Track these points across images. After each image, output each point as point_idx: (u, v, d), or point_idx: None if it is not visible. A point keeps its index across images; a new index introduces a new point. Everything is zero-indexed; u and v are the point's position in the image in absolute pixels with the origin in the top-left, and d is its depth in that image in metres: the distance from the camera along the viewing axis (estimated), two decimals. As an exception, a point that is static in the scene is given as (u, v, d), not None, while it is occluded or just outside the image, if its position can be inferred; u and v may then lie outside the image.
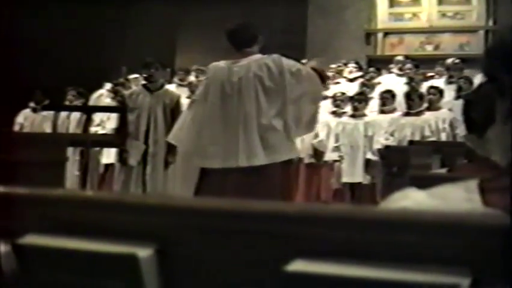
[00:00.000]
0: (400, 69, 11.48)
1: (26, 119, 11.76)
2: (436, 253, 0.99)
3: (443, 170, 3.50)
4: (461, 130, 8.49)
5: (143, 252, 1.13)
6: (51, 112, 11.49)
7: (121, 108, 8.23)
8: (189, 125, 5.92)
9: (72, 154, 9.97)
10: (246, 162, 5.56)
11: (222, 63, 5.85)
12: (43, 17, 13.65)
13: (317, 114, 6.08)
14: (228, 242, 1.11)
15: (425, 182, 1.53)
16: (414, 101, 9.28)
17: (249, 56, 5.77)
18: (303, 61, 11.79)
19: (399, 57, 11.88)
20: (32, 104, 11.78)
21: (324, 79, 6.19)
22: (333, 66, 12.04)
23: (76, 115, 11.16)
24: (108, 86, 11.90)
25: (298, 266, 1.03)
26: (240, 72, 5.70)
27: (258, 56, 5.79)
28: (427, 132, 9.09)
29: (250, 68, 5.69)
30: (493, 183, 1.29)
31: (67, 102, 11.53)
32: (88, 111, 9.30)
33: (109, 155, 9.79)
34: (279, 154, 5.62)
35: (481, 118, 2.21)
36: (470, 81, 10.08)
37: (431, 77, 11.13)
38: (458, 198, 1.29)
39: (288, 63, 5.75)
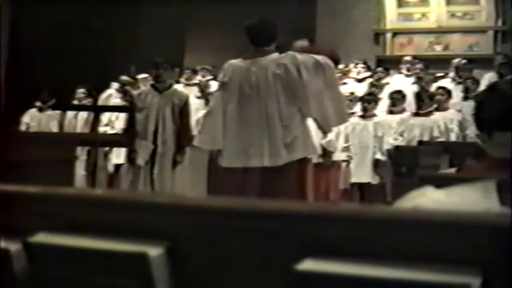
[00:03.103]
0: (408, 69, 11.44)
1: (33, 119, 11.74)
2: (448, 253, 0.99)
3: (452, 170, 3.49)
4: (471, 130, 8.48)
5: (154, 251, 1.13)
6: (58, 111, 11.47)
7: (130, 108, 8.23)
8: (212, 126, 5.88)
9: (79, 154, 9.98)
10: (270, 162, 5.53)
11: (239, 62, 5.76)
12: (52, 16, 13.66)
13: (343, 104, 5.96)
14: (238, 241, 1.12)
15: (433, 182, 1.53)
16: (425, 102, 9.25)
17: (266, 55, 5.72)
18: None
19: (407, 58, 11.84)
20: (38, 104, 11.77)
21: (336, 61, 6.14)
22: (340, 66, 12.01)
23: (83, 114, 11.13)
24: (115, 85, 11.89)
25: (308, 265, 1.04)
26: (258, 72, 5.65)
27: (275, 55, 5.73)
28: (436, 133, 9.06)
29: (268, 68, 5.65)
30: (510, 183, 1.29)
31: (76, 101, 11.51)
32: (96, 110, 9.30)
33: (118, 155, 9.79)
34: (298, 152, 5.63)
35: (491, 117, 2.21)
36: (477, 81, 10.04)
37: (441, 78, 11.09)
38: (475, 197, 1.29)
39: (303, 59, 5.72)
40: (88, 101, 11.57)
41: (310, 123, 6.09)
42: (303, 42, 6.37)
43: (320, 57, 5.83)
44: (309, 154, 5.90)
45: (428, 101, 9.31)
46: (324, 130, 6.03)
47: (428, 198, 1.33)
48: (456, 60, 11.08)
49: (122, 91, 11.33)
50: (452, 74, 10.96)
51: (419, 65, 11.31)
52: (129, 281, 1.15)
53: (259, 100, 5.64)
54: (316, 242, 1.06)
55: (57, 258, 1.23)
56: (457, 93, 10.08)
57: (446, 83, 10.52)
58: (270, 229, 1.10)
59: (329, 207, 1.11)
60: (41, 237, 1.25)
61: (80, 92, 11.71)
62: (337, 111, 5.83)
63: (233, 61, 5.86)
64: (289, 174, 5.63)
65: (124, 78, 11.92)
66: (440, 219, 1.02)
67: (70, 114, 11.53)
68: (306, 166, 6.05)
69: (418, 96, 9.48)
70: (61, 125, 11.53)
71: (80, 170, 9.49)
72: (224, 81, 5.87)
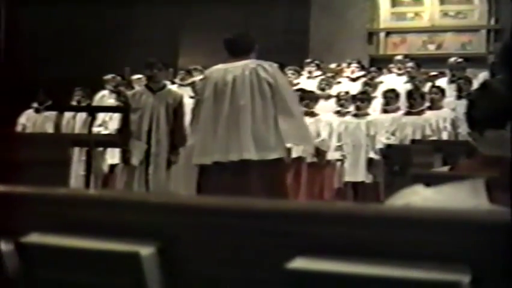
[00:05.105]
0: (399, 68, 11.46)
1: (29, 120, 11.75)
2: (438, 251, 1.00)
3: (445, 168, 3.51)
4: (463, 129, 8.49)
5: (146, 251, 1.14)
6: (54, 112, 11.48)
7: (124, 108, 8.23)
8: (193, 129, 6.04)
9: (78, 154, 9.98)
10: (236, 156, 5.62)
11: (219, 66, 5.98)
12: (46, 18, 13.66)
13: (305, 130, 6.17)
14: (230, 240, 1.12)
15: (426, 180, 1.54)
16: (416, 100, 9.29)
17: (244, 60, 5.86)
18: (307, 60, 11.85)
19: (399, 57, 11.88)
20: (34, 105, 11.77)
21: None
22: (333, 65, 12.04)
23: (81, 115, 11.14)
24: (109, 86, 11.89)
25: (299, 263, 1.04)
26: (235, 71, 5.80)
27: (254, 59, 5.88)
28: (428, 131, 9.10)
29: (246, 67, 5.77)
30: (499, 181, 1.30)
31: (74, 103, 11.52)
32: (91, 111, 9.29)
33: (113, 155, 9.80)
34: (271, 151, 5.69)
35: (483, 116, 2.21)
36: (469, 81, 10.07)
37: (435, 77, 11.12)
38: (465, 195, 1.30)
39: (282, 76, 5.95)
40: (86, 103, 11.57)
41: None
42: None
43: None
44: (282, 155, 5.94)
45: (419, 100, 9.33)
46: (280, 135, 6.14)
47: (418, 197, 1.34)
48: (452, 59, 11.10)
49: (116, 92, 11.33)
50: (447, 73, 10.98)
51: (410, 64, 11.32)
52: (121, 281, 1.15)
53: (233, 96, 5.75)
54: (307, 240, 1.07)
55: (49, 258, 1.24)
56: (451, 92, 10.10)
57: (442, 82, 10.54)
58: (262, 228, 1.10)
59: (320, 205, 1.11)
60: (34, 237, 1.25)
61: (78, 94, 11.69)
62: (299, 133, 5.98)
63: (215, 66, 6.05)
64: (260, 175, 5.68)
65: (109, 76, 11.85)
66: (430, 217, 1.03)
67: (68, 115, 11.52)
68: (283, 167, 6.12)
69: (410, 95, 9.50)
70: (58, 126, 11.50)
71: (79, 170, 9.51)
72: (202, 86, 6.06)
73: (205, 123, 5.80)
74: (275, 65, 5.92)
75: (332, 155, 9.70)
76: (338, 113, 9.98)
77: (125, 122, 7.87)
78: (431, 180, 1.58)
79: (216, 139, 5.70)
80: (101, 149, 9.97)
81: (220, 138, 5.68)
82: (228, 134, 5.67)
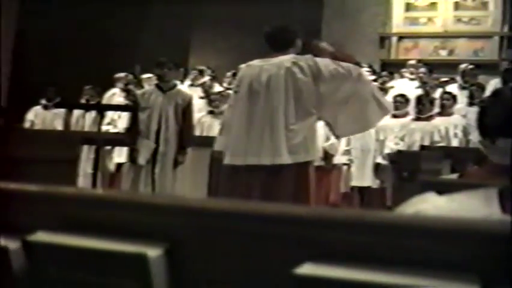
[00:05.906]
0: (412, 73, 11.42)
1: (37, 116, 11.75)
2: (447, 259, 0.99)
3: (454, 176, 3.50)
4: (474, 136, 8.47)
5: (153, 252, 1.13)
6: (63, 110, 11.48)
7: (132, 107, 8.24)
8: (225, 127, 5.92)
9: (87, 152, 9.99)
10: (269, 160, 5.51)
11: (254, 62, 5.77)
12: (58, 15, 13.68)
13: (366, 111, 5.94)
14: (237, 243, 1.11)
15: (435, 188, 1.53)
16: (425, 106, 9.27)
17: (281, 56, 5.67)
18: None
19: (412, 61, 11.83)
20: (43, 101, 11.77)
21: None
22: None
23: (91, 113, 11.16)
24: (120, 85, 11.89)
25: (307, 269, 1.03)
26: (270, 70, 5.61)
27: (291, 55, 5.68)
28: (436, 138, 9.07)
29: (281, 65, 5.60)
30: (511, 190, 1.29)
31: (83, 101, 11.52)
32: (100, 109, 9.31)
33: (120, 154, 9.81)
34: (302, 154, 5.57)
35: (495, 123, 2.20)
36: (482, 87, 10.05)
37: (446, 82, 11.09)
38: (477, 204, 1.29)
39: (323, 64, 5.65)
40: (96, 101, 11.58)
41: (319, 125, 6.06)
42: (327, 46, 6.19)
43: (344, 64, 5.74)
44: (311, 158, 5.82)
45: (428, 106, 9.31)
46: (337, 135, 6.02)
47: (429, 204, 1.33)
48: (463, 66, 11.07)
49: (126, 90, 11.35)
50: (459, 79, 10.94)
51: (422, 69, 11.30)
52: (128, 282, 1.15)
53: (267, 97, 5.59)
54: (316, 246, 1.06)
55: (56, 257, 1.23)
56: (462, 98, 10.07)
57: (453, 88, 10.51)
58: (270, 232, 1.10)
59: (330, 211, 1.10)
60: (41, 236, 1.24)
61: (88, 92, 11.70)
62: (357, 120, 5.81)
63: (250, 62, 5.83)
64: (291, 176, 5.58)
65: (122, 75, 11.87)
66: (440, 226, 1.02)
67: (78, 113, 11.54)
68: (310, 170, 5.96)
69: (419, 101, 9.48)
70: (67, 123, 11.52)
71: (87, 168, 9.53)
72: (236, 83, 5.89)
73: (239, 123, 5.65)
74: (310, 60, 5.65)
75: (338, 159, 9.68)
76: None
77: (133, 121, 7.88)
78: (440, 187, 1.58)
79: (249, 141, 5.57)
80: (108, 147, 9.98)
81: (254, 140, 5.55)
82: (262, 136, 5.55)
